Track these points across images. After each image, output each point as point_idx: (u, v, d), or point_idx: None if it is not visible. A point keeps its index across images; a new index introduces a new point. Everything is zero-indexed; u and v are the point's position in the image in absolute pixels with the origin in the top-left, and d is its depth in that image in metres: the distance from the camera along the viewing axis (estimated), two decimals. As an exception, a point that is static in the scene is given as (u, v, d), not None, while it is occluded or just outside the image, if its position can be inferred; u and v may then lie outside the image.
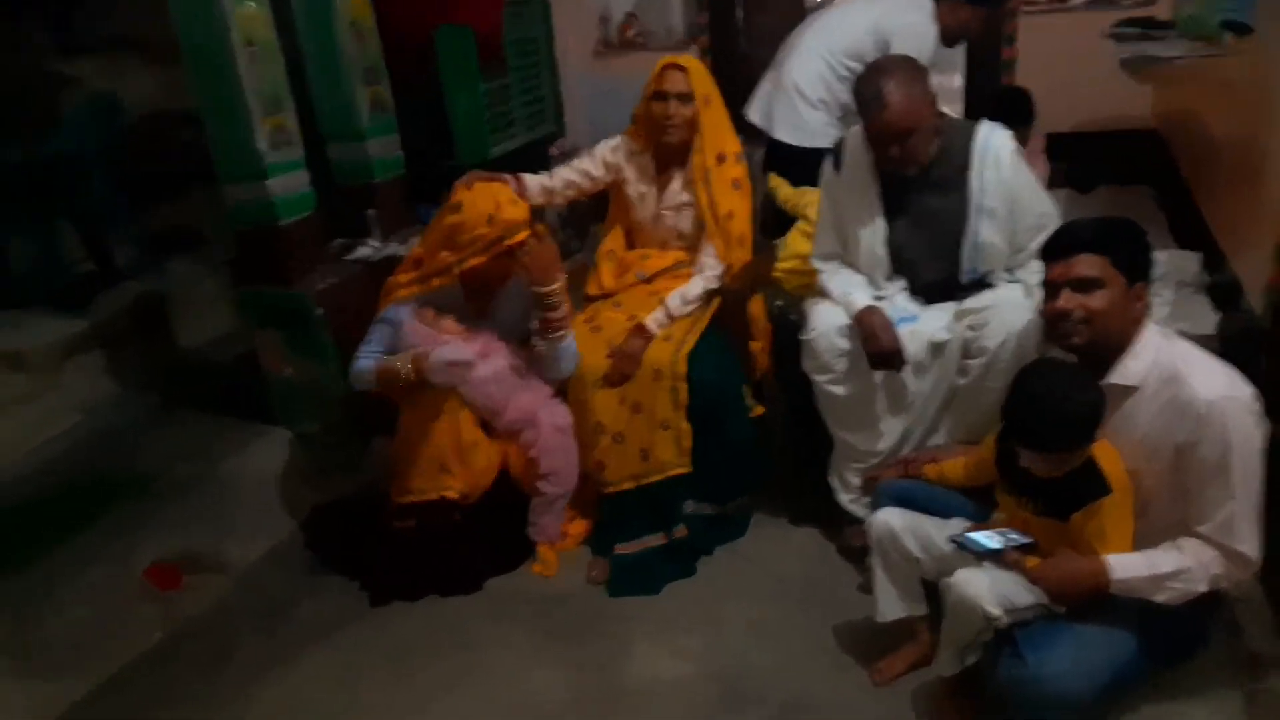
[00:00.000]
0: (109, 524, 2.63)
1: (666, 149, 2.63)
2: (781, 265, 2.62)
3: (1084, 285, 1.77)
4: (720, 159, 2.60)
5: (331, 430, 2.92)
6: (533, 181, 2.73)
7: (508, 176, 2.64)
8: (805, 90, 3.03)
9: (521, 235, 2.42)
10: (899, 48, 2.76)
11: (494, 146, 3.75)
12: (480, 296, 2.59)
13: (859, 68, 2.93)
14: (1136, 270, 1.76)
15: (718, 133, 2.61)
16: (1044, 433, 1.72)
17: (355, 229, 3.12)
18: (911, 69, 2.18)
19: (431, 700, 2.13)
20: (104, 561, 2.49)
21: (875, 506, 2.09)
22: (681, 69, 2.56)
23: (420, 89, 3.52)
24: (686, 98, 2.55)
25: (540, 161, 3.56)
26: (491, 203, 2.41)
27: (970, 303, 2.25)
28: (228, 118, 2.65)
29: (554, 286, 2.45)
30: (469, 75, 3.60)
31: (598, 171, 2.74)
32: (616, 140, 2.75)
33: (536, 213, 2.75)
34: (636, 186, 2.72)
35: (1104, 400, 1.73)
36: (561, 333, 2.48)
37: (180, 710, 2.18)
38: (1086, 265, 1.77)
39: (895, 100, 2.11)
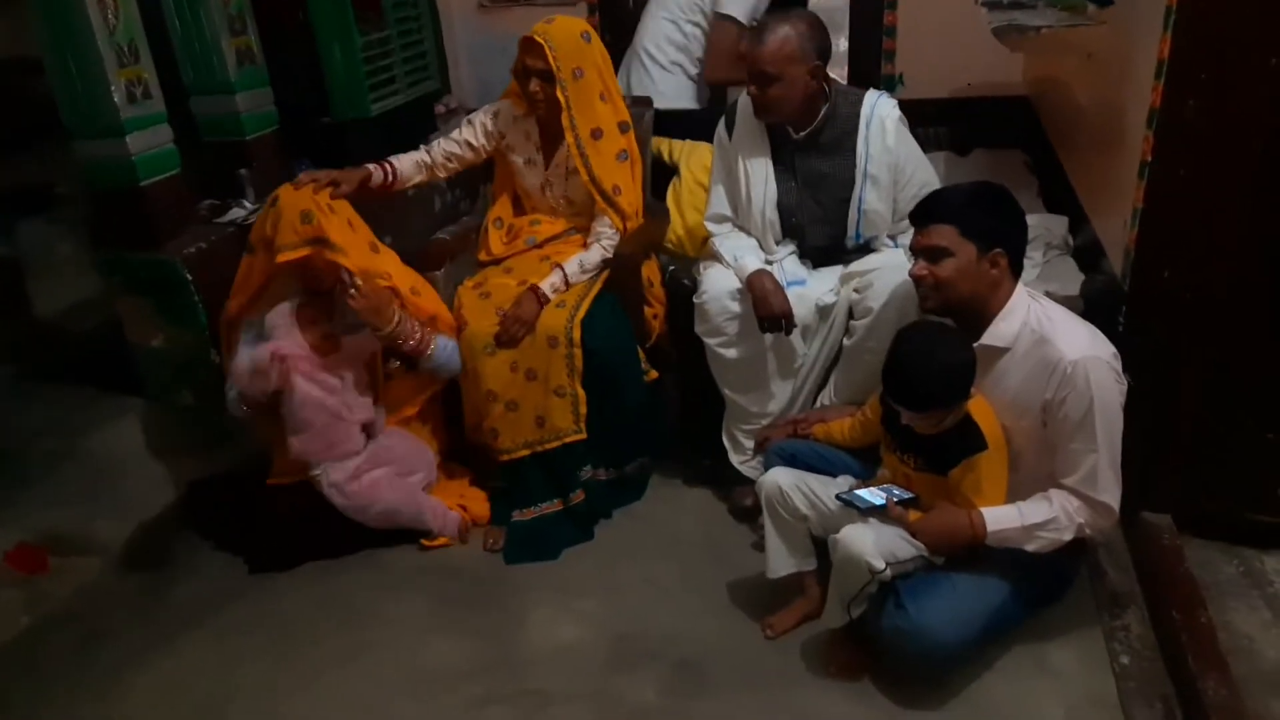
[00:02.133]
0: (-36, 506, 2.44)
1: (546, 118, 2.53)
2: (676, 231, 2.62)
3: (933, 254, 1.85)
4: (596, 134, 2.49)
5: (206, 401, 2.78)
6: (406, 162, 2.56)
7: (372, 167, 2.47)
8: (654, 53, 2.99)
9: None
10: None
11: (375, 103, 3.59)
12: (319, 297, 2.40)
13: (703, 20, 2.97)
14: (989, 238, 1.82)
15: (589, 108, 2.47)
16: (916, 392, 1.80)
17: (226, 189, 2.95)
18: (810, 28, 2.20)
19: (318, 677, 2.07)
20: (-42, 547, 2.32)
21: (766, 466, 2.13)
22: (540, 44, 2.38)
23: (293, 42, 3.34)
24: (547, 75, 2.40)
25: (426, 119, 3.44)
26: (308, 201, 2.25)
27: (856, 265, 2.32)
28: (78, 68, 2.44)
29: (390, 327, 2.33)
30: (344, 28, 3.42)
31: (479, 141, 2.61)
32: (497, 105, 2.64)
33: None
34: (522, 154, 2.63)
35: (973, 360, 1.81)
36: (427, 352, 2.41)
37: (48, 702, 2.06)
38: (937, 235, 1.84)
39: (770, 40, 2.17)
